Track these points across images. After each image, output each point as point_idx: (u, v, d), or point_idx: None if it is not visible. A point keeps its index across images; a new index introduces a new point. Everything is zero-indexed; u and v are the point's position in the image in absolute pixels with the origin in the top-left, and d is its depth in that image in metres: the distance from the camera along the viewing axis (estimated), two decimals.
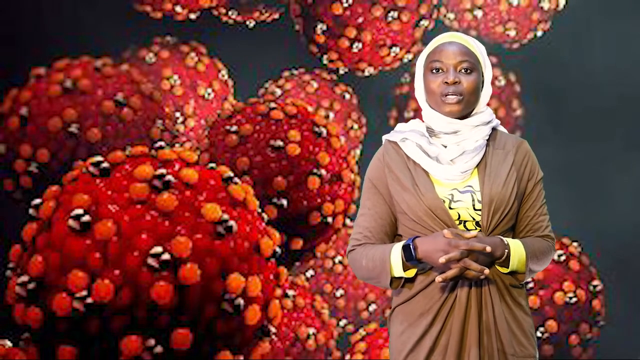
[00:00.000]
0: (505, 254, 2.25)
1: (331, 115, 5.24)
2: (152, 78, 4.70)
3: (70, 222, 2.21)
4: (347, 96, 5.43)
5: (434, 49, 2.38)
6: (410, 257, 2.24)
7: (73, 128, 3.63)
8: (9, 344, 2.71)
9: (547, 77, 5.44)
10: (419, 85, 2.43)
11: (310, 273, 4.97)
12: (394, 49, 4.80)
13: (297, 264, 3.99)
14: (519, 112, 5.41)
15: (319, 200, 3.70)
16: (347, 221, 4.09)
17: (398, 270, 2.28)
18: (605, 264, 4.77)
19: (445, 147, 2.35)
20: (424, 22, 4.80)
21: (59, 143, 3.64)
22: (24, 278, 2.24)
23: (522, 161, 2.38)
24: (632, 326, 4.96)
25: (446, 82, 2.31)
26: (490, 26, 5.22)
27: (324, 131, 3.76)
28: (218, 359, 2.31)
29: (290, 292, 4.17)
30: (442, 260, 2.17)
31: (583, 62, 5.28)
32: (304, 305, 4.20)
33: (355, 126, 5.39)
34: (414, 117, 5.28)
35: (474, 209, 2.29)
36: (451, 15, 5.33)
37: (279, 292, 2.50)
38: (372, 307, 5.04)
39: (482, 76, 2.38)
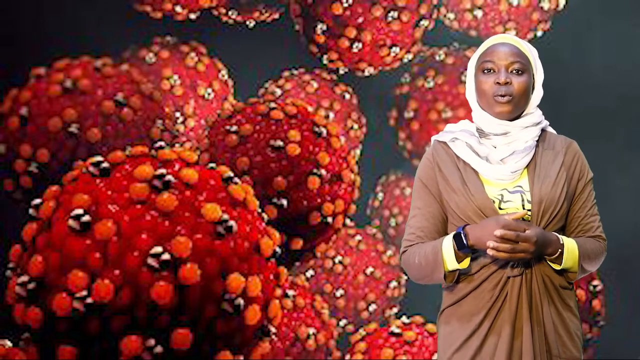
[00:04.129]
0: (559, 251, 2.26)
1: (331, 115, 5.24)
2: (152, 78, 4.69)
3: (70, 222, 2.21)
4: (347, 96, 5.43)
5: (486, 49, 2.39)
6: (461, 244, 2.23)
7: (73, 128, 3.63)
8: (9, 344, 2.72)
9: (547, 77, 5.40)
10: (470, 86, 2.43)
11: (310, 273, 4.98)
12: (394, 49, 4.80)
13: (297, 264, 3.99)
14: None
15: (319, 200, 3.70)
16: (347, 221, 4.09)
17: (451, 262, 2.27)
18: (605, 264, 4.75)
19: (495, 147, 2.36)
20: (424, 22, 4.80)
21: (59, 143, 3.64)
22: (24, 278, 2.24)
23: (572, 161, 2.39)
24: (632, 326, 4.96)
25: (497, 83, 2.32)
26: (490, 26, 5.22)
27: (324, 131, 3.76)
28: (218, 359, 2.31)
29: (290, 292, 4.17)
30: (497, 233, 2.16)
31: (583, 62, 5.28)
32: (304, 305, 4.20)
33: (355, 126, 5.39)
34: (413, 117, 5.28)
35: (524, 209, 2.30)
36: (451, 15, 5.33)
37: (279, 292, 2.50)
38: (372, 307, 5.04)
39: (533, 78, 2.39)
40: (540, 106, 2.48)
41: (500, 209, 2.29)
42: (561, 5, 5.27)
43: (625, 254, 5.25)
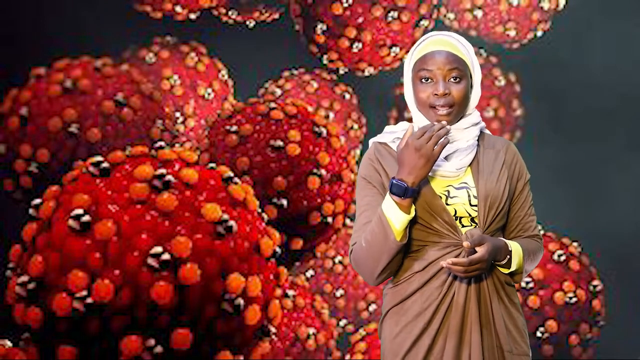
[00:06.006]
0: (508, 257, 2.28)
1: (331, 115, 5.24)
2: (152, 78, 4.69)
3: (70, 222, 2.21)
4: (347, 96, 5.43)
5: (422, 56, 2.35)
6: (402, 191, 2.21)
7: (73, 128, 3.63)
8: (9, 344, 2.72)
9: (547, 77, 5.44)
10: (408, 89, 2.42)
11: (310, 273, 4.97)
12: (394, 49, 4.80)
13: (297, 264, 3.99)
14: (519, 112, 5.41)
15: (319, 200, 3.70)
16: (347, 221, 4.10)
17: (398, 219, 2.23)
18: (605, 264, 4.77)
19: None
20: (424, 22, 4.80)
21: (59, 143, 3.64)
22: (24, 278, 2.24)
23: (512, 161, 2.41)
24: (632, 326, 4.96)
25: (436, 94, 2.31)
26: (490, 26, 5.22)
27: (324, 131, 3.77)
28: (218, 359, 2.31)
29: (290, 292, 4.17)
30: (436, 149, 2.19)
31: (583, 62, 5.28)
32: (304, 305, 4.20)
33: (355, 126, 5.39)
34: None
35: (470, 204, 2.31)
36: (451, 15, 5.33)
37: (279, 292, 2.50)
38: (372, 307, 5.04)
39: (471, 79, 2.37)
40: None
41: (447, 204, 2.29)
42: (561, 5, 5.28)
43: (625, 254, 5.25)
